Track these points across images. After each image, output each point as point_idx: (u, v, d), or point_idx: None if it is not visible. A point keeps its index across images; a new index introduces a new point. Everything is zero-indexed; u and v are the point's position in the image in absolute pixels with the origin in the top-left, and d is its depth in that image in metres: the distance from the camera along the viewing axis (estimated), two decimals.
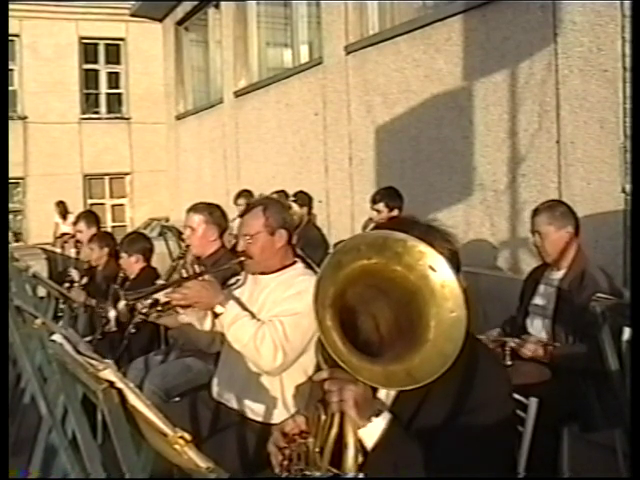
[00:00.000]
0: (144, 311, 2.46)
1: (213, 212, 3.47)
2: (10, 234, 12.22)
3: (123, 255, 4.05)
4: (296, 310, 2.26)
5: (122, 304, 2.46)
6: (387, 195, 4.60)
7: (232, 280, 2.64)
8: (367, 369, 1.27)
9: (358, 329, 1.38)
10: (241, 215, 2.61)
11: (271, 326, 2.27)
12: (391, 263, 1.31)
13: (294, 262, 2.51)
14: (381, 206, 4.52)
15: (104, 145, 14.47)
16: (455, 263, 1.47)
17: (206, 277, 2.51)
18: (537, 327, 2.97)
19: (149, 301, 2.44)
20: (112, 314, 3.44)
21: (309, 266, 2.57)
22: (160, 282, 2.90)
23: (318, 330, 1.27)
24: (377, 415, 1.39)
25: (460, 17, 4.83)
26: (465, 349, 1.30)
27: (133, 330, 2.61)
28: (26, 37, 13.85)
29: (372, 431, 1.38)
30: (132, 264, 4.01)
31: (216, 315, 2.35)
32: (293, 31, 7.60)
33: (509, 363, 2.70)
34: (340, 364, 1.26)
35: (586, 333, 2.66)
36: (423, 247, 1.32)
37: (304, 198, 5.47)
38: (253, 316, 2.36)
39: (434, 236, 1.47)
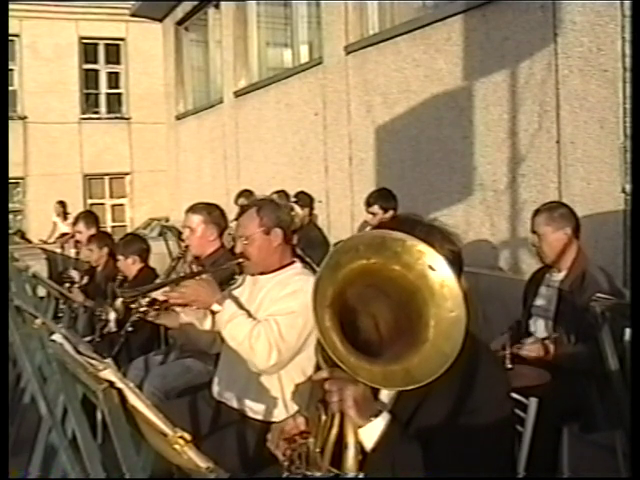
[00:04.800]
0: (142, 309, 2.47)
1: (212, 212, 3.47)
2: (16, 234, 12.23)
3: (120, 257, 4.06)
4: (292, 309, 2.27)
5: (119, 302, 2.46)
6: (381, 197, 4.59)
7: (231, 280, 2.65)
8: (366, 369, 1.27)
9: (357, 329, 1.38)
10: (237, 217, 2.62)
11: (266, 325, 2.28)
12: (390, 263, 1.30)
13: (292, 262, 2.52)
14: (376, 208, 4.52)
15: (104, 145, 14.48)
16: (457, 264, 1.47)
17: (204, 276, 2.52)
18: (539, 328, 2.98)
19: (147, 299, 2.45)
20: (111, 316, 3.45)
21: (309, 265, 2.58)
22: (158, 281, 2.90)
23: (316, 331, 1.27)
24: (376, 415, 1.39)
25: (460, 17, 4.82)
26: (465, 349, 1.30)
27: (130, 329, 2.62)
28: (26, 37, 13.85)
29: (371, 431, 1.38)
30: (129, 265, 4.02)
31: (213, 314, 2.36)
32: (293, 31, 7.60)
33: (509, 366, 2.70)
34: (339, 364, 1.25)
35: (587, 334, 2.65)
36: (422, 246, 1.31)
37: (305, 199, 5.47)
38: (250, 315, 2.37)
39: (435, 237, 1.46)
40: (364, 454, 1.38)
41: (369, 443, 1.38)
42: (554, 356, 2.77)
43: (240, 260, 2.49)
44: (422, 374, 1.25)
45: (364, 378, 1.27)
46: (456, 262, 1.46)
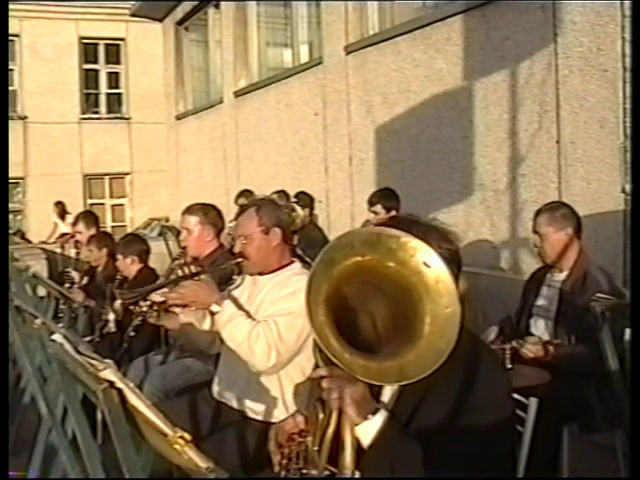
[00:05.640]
0: (142, 311, 2.47)
1: (208, 213, 3.47)
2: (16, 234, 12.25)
3: (119, 257, 4.07)
4: (291, 310, 2.27)
5: (118, 304, 2.46)
6: (384, 196, 4.60)
7: (230, 280, 2.65)
8: (360, 365, 1.27)
9: (352, 326, 1.37)
10: (236, 217, 2.63)
11: (265, 326, 2.28)
12: (385, 259, 1.30)
13: (291, 262, 2.52)
14: (378, 208, 4.53)
15: (104, 145, 14.47)
16: (455, 262, 1.47)
17: (202, 277, 2.52)
18: (540, 328, 2.98)
19: (147, 302, 2.45)
20: (111, 316, 3.45)
21: (309, 266, 2.57)
22: (157, 283, 2.91)
23: (310, 327, 1.26)
24: (374, 413, 1.39)
25: (460, 17, 4.82)
26: (466, 348, 1.30)
27: (133, 333, 2.62)
28: (26, 37, 13.85)
29: (369, 429, 1.38)
30: (128, 266, 4.02)
31: (213, 314, 2.36)
32: (293, 31, 7.60)
33: (509, 366, 2.70)
34: (333, 361, 1.25)
35: (588, 334, 2.65)
36: (416, 243, 1.31)
37: (306, 199, 5.46)
38: (249, 316, 2.37)
39: (432, 236, 1.46)
40: (361, 452, 1.38)
41: (366, 441, 1.38)
42: (554, 357, 2.77)
43: (239, 260, 2.49)
44: (417, 370, 1.25)
45: (358, 374, 1.27)
46: (454, 261, 1.46)
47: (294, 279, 2.39)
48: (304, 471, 1.50)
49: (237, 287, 2.58)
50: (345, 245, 1.31)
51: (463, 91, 4.82)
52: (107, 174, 14.84)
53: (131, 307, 2.52)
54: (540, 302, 3.03)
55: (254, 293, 2.48)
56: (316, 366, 1.44)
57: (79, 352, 1.44)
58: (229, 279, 2.68)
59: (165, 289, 2.49)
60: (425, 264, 1.29)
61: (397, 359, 1.27)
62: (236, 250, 2.52)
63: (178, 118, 10.64)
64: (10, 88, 13.45)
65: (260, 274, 2.49)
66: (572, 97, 3.98)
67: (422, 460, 1.37)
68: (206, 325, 2.46)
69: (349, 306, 1.37)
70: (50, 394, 2.41)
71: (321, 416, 1.42)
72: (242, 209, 2.58)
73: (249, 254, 2.45)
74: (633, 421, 1.54)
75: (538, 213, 3.00)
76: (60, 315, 3.96)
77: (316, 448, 1.43)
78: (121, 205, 15.14)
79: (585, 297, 2.73)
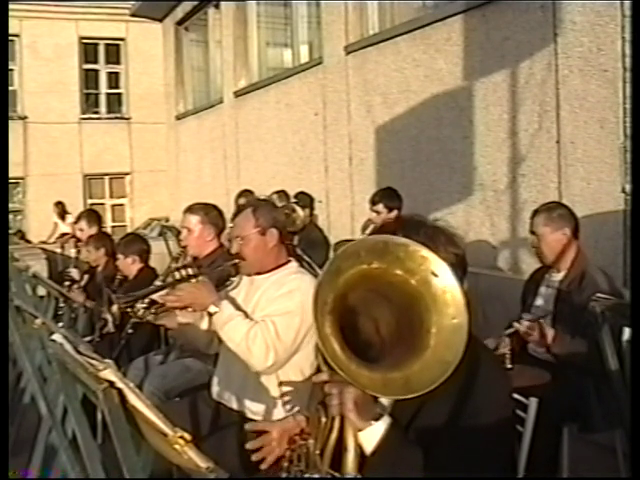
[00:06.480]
0: (139, 313, 2.47)
1: (209, 212, 3.47)
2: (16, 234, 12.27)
3: (120, 256, 4.08)
4: (288, 309, 2.28)
5: (115, 308, 2.46)
6: (386, 196, 4.61)
7: (228, 281, 2.65)
8: (366, 376, 1.25)
9: (358, 335, 1.36)
10: (233, 217, 2.63)
11: (263, 326, 2.28)
12: (392, 268, 1.28)
13: (288, 261, 2.52)
14: (380, 207, 4.54)
15: (104, 145, 14.48)
16: (461, 267, 1.46)
17: (200, 278, 2.51)
18: None
19: (144, 304, 2.45)
20: (110, 316, 3.45)
21: (309, 265, 2.58)
22: (157, 283, 2.91)
23: (317, 337, 1.25)
24: (377, 419, 1.38)
25: (460, 17, 4.82)
26: (467, 351, 1.29)
27: (130, 331, 2.62)
28: (26, 37, 13.87)
29: (371, 435, 1.37)
30: (129, 265, 4.03)
31: (210, 315, 2.36)
32: (293, 31, 7.60)
33: (509, 366, 2.69)
34: (338, 372, 1.24)
35: (586, 334, 2.65)
36: (425, 252, 1.29)
37: (305, 199, 5.46)
38: (247, 316, 2.37)
39: (440, 240, 1.45)
40: (364, 457, 1.37)
41: (369, 446, 1.37)
42: (552, 353, 2.76)
43: (236, 261, 2.49)
44: (422, 382, 1.24)
45: (363, 385, 1.25)
46: (460, 265, 1.45)
47: (290, 278, 2.39)
48: (306, 474, 1.49)
49: (234, 288, 2.58)
50: (351, 254, 1.28)
51: (463, 91, 4.82)
52: (107, 174, 14.85)
53: (128, 310, 2.52)
54: (538, 302, 3.03)
55: (251, 292, 2.48)
56: (318, 369, 1.43)
57: (79, 352, 1.44)
58: (227, 280, 2.68)
59: (162, 292, 2.49)
60: (433, 274, 1.27)
61: (402, 370, 1.25)
62: (233, 251, 2.53)
63: (178, 118, 10.64)
64: (10, 88, 13.46)
65: (257, 274, 2.49)
66: (572, 97, 3.98)
67: (423, 465, 1.36)
68: (204, 326, 2.46)
69: (355, 315, 1.36)
70: (50, 394, 2.41)
71: (323, 420, 1.42)
72: (239, 209, 2.58)
73: (246, 255, 2.45)
74: (633, 421, 1.54)
75: (535, 214, 2.99)
76: (60, 315, 3.96)
77: (318, 452, 1.42)
78: (121, 205, 15.14)
79: (583, 297, 2.72)
